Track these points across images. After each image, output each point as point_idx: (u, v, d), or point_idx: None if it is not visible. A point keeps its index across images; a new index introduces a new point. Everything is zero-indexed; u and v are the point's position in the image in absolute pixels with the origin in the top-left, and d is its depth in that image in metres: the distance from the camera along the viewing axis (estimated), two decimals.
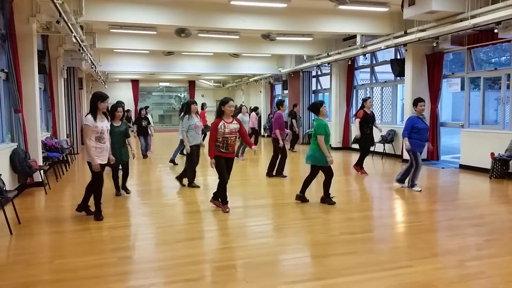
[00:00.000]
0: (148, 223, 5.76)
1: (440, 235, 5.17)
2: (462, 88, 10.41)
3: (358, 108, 9.77)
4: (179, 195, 7.61)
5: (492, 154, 8.66)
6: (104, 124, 5.55)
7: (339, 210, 6.13)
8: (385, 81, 13.71)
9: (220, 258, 4.30)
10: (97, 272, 3.91)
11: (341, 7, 9.23)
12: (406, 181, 7.54)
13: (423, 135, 7.24)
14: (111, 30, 11.51)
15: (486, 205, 6.67)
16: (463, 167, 9.87)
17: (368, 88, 14.34)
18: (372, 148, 9.76)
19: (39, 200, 7.20)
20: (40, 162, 8.02)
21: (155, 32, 11.65)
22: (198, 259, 4.25)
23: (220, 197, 6.11)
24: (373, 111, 9.45)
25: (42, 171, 7.73)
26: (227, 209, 5.95)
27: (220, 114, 5.87)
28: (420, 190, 7.28)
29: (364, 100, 9.34)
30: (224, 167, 5.89)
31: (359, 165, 9.32)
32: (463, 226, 5.43)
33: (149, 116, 12.97)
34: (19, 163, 7.16)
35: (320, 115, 6.35)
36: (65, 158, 10.32)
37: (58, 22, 7.30)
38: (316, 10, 10.18)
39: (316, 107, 6.41)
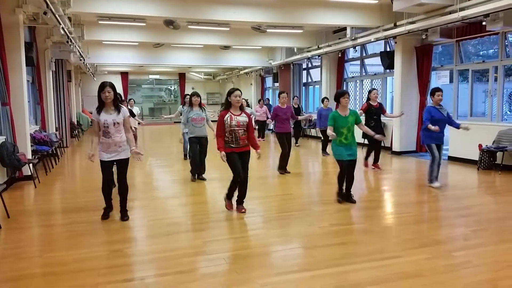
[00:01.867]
0: (139, 216, 5.74)
1: (429, 225, 5.24)
2: (451, 81, 10.51)
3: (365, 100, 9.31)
4: (171, 189, 7.60)
5: (480, 145, 8.77)
6: (110, 117, 5.02)
7: (329, 202, 6.17)
8: (375, 74, 13.77)
9: (211, 250, 4.32)
10: (88, 265, 3.90)
11: None
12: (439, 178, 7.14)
13: (440, 126, 6.79)
14: (99, 22, 11.39)
15: (473, 196, 6.77)
16: (451, 158, 9.98)
17: (358, 81, 14.39)
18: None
19: (28, 193, 7.15)
20: (29, 156, 7.95)
21: (144, 24, 11.57)
22: (189, 252, 4.26)
23: (227, 192, 5.64)
24: (381, 103, 8.94)
25: (31, 165, 7.67)
26: (243, 210, 5.56)
27: (227, 105, 5.42)
28: (440, 187, 6.95)
29: (369, 92, 8.90)
30: (236, 161, 5.36)
31: (375, 162, 8.88)
32: (451, 217, 5.52)
33: (133, 109, 12.65)
34: (7, 156, 7.08)
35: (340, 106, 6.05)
36: (54, 152, 10.23)
37: (45, 13, 7.20)
38: (306, 2, 10.17)
39: (335, 98, 6.13)
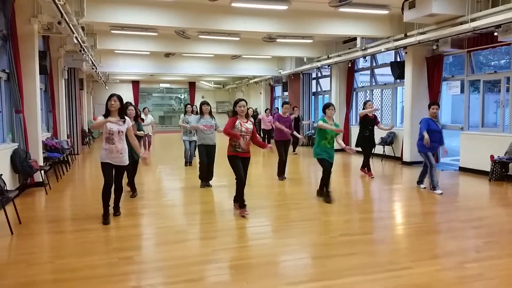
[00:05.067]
0: (149, 224, 5.77)
1: (440, 237, 5.19)
2: (462, 91, 10.43)
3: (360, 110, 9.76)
4: (180, 196, 7.63)
5: (492, 156, 8.68)
6: (115, 126, 5.46)
7: (339, 212, 6.14)
8: (385, 84, 13.73)
9: (221, 258, 4.31)
10: (98, 272, 3.92)
11: (341, 9, 9.26)
12: (425, 181, 7.76)
13: (434, 137, 7.37)
14: (112, 31, 11.54)
15: (485, 208, 6.69)
16: (462, 169, 9.89)
17: (368, 91, 14.36)
18: (374, 151, 9.66)
19: (40, 200, 7.21)
20: (41, 162, 8.04)
21: (156, 34, 11.68)
22: (199, 260, 4.26)
23: (237, 200, 6.04)
24: (375, 114, 9.35)
25: (42, 171, 7.74)
26: (245, 212, 5.85)
27: (235, 114, 5.94)
28: (441, 193, 7.28)
29: (364, 103, 9.31)
30: (240, 166, 5.85)
31: (365, 167, 9.22)
32: (463, 228, 5.45)
33: (147, 118, 12.77)
34: (20, 163, 7.17)
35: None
36: (66, 159, 10.34)
37: (59, 23, 7.32)
38: (316, 12, 10.21)
39: (323, 109, 6.91)
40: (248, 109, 6.06)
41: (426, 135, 7.30)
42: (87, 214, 6.06)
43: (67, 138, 12.33)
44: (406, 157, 11.27)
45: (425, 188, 7.70)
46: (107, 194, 5.60)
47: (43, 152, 8.52)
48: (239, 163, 5.85)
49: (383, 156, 12.01)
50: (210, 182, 8.02)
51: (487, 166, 8.83)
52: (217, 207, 6.81)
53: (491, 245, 4.73)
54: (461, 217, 5.99)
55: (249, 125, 5.89)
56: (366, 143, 9.13)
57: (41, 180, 7.72)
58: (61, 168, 9.50)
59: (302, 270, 4.06)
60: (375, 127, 9.12)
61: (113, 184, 5.69)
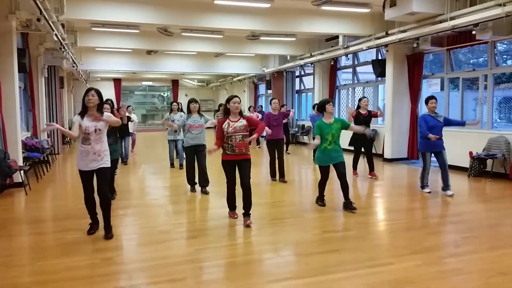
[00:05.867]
0: (131, 224, 5.72)
1: (420, 232, 5.27)
2: (442, 88, 10.61)
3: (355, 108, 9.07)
4: (162, 195, 7.58)
5: (471, 153, 8.86)
6: (91, 124, 4.72)
7: (321, 209, 6.19)
8: (367, 82, 13.88)
9: (203, 258, 4.31)
10: (80, 273, 3.87)
11: (324, 7, 9.31)
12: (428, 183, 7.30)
13: (435, 133, 6.86)
14: (92, 29, 11.37)
15: (464, 203, 6.83)
16: None
17: (350, 88, 14.50)
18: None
19: (19, 201, 7.08)
20: (20, 163, 7.88)
21: (137, 31, 11.57)
22: (182, 259, 4.25)
23: (227, 204, 5.64)
24: (369, 110, 8.82)
25: (22, 172, 7.60)
26: (235, 216, 5.58)
27: (226, 113, 5.41)
28: (430, 192, 7.11)
29: (359, 100, 8.88)
30: (230, 169, 5.36)
31: (371, 170, 8.79)
32: (442, 224, 5.57)
33: (132, 116, 12.70)
34: None
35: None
36: (46, 158, 10.16)
37: (38, 20, 7.18)
38: (299, 10, 10.25)
39: (321, 106, 6.19)
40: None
41: (431, 135, 6.78)
42: (68, 214, 5.98)
43: (47, 137, 12.12)
44: (388, 154, 11.42)
45: (452, 195, 6.95)
46: (89, 204, 4.96)
47: (23, 152, 8.35)
48: (230, 167, 5.35)
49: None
50: (207, 188, 7.33)
51: (466, 163, 9.01)
52: (201, 206, 6.79)
53: (470, 240, 4.83)
54: (440, 213, 6.11)
55: (239, 124, 5.27)
56: (359, 141, 8.74)
57: (20, 180, 7.58)
58: (41, 168, 9.34)
59: (285, 267, 4.08)
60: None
61: (96, 195, 4.88)
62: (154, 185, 8.64)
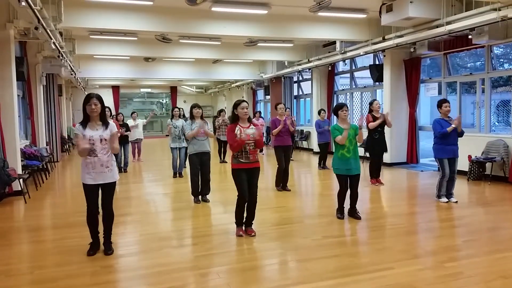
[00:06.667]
0: (131, 231, 5.70)
1: (420, 236, 5.27)
2: (440, 93, 10.64)
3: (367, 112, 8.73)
4: (163, 203, 7.56)
5: (469, 156, 8.88)
6: (96, 133, 4.37)
7: (322, 215, 6.18)
8: (365, 86, 13.92)
9: (203, 264, 4.29)
10: (79, 281, 3.86)
11: (321, 13, 9.36)
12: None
13: (450, 139, 6.56)
14: (90, 36, 11.41)
15: (464, 207, 6.82)
16: None
17: (348, 93, 14.53)
18: (385, 155, 8.79)
19: (18, 209, 7.06)
20: (19, 171, 7.87)
21: (135, 38, 11.61)
22: (181, 267, 4.23)
23: (236, 219, 5.23)
24: (383, 113, 8.45)
25: (21, 180, 7.59)
26: (242, 233, 5.16)
27: (234, 119, 5.12)
28: (447, 202, 6.76)
29: (370, 103, 8.51)
30: (243, 181, 5.02)
31: (373, 176, 8.47)
32: (443, 228, 5.56)
33: (138, 121, 12.80)
34: None
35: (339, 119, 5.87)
36: (45, 166, 10.15)
37: (36, 28, 7.19)
38: (296, 16, 10.30)
39: (334, 111, 5.93)
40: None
41: (450, 127, 6.43)
42: (67, 222, 5.97)
43: (46, 145, 12.11)
44: (387, 159, 11.40)
45: (456, 202, 6.78)
46: (92, 223, 4.58)
47: (22, 160, 8.34)
48: (244, 178, 5.02)
49: (364, 158, 12.12)
50: (208, 196, 7.22)
51: (465, 166, 9.02)
52: (201, 213, 6.77)
53: (471, 243, 4.83)
54: (440, 217, 6.10)
55: (251, 131, 5.02)
56: (376, 146, 8.38)
57: (19, 188, 7.56)
58: (40, 176, 9.31)
59: (286, 273, 4.07)
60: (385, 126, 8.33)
61: (101, 209, 4.60)
62: (154, 192, 8.62)
